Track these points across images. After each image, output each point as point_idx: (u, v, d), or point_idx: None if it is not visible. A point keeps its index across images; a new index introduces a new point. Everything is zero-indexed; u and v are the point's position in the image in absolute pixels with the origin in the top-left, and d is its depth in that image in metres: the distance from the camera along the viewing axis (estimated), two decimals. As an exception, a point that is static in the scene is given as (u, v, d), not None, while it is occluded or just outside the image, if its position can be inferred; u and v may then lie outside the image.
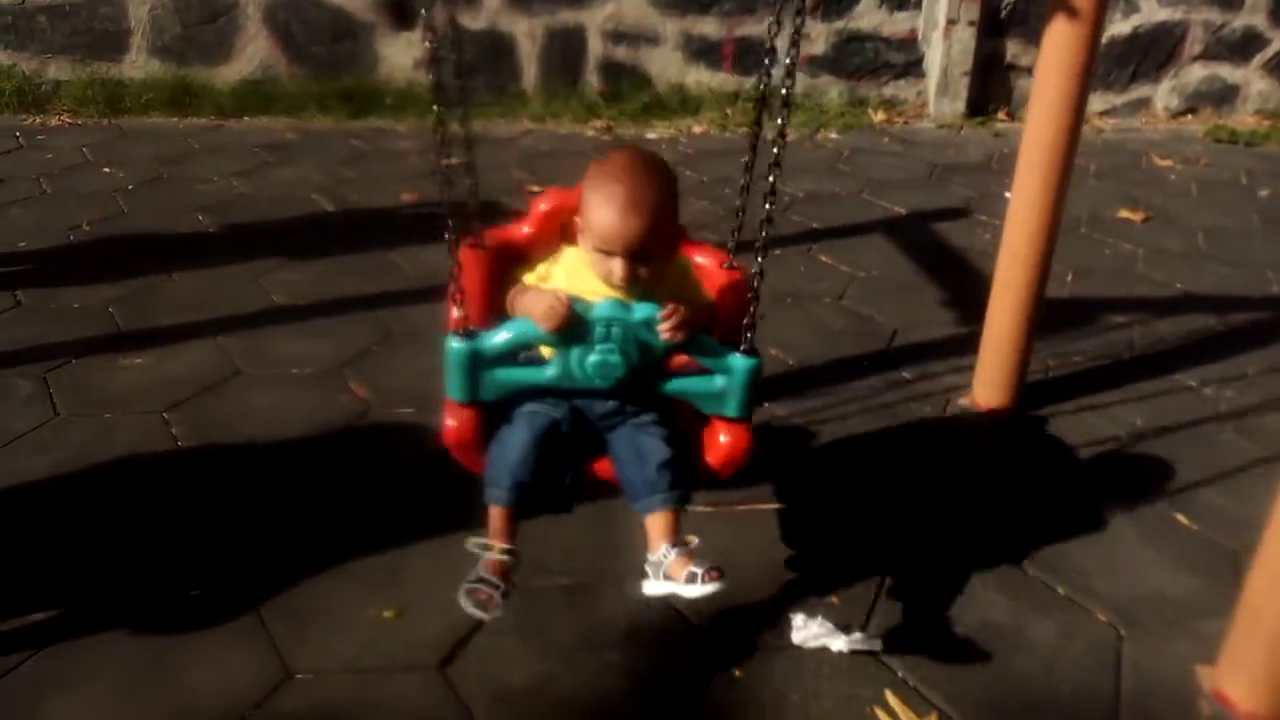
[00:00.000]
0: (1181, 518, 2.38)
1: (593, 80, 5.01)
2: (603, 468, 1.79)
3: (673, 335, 1.62)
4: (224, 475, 2.30)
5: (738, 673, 1.86)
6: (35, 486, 2.21)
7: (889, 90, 5.31)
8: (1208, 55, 5.51)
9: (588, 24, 4.94)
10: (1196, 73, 5.54)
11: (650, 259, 1.65)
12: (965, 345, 2.94)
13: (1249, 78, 5.58)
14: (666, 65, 5.08)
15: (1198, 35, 5.46)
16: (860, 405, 2.73)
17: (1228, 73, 5.57)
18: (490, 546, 1.68)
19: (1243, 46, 5.52)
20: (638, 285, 1.66)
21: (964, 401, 2.79)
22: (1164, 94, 5.56)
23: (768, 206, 1.63)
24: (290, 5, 4.69)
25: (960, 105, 5.21)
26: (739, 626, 1.97)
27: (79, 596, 1.93)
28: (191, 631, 1.87)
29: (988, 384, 2.76)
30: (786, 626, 1.95)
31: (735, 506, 2.31)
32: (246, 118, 4.64)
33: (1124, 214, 4.23)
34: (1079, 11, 2.40)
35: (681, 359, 1.70)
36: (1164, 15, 5.39)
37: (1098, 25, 2.45)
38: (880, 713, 1.80)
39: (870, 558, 2.18)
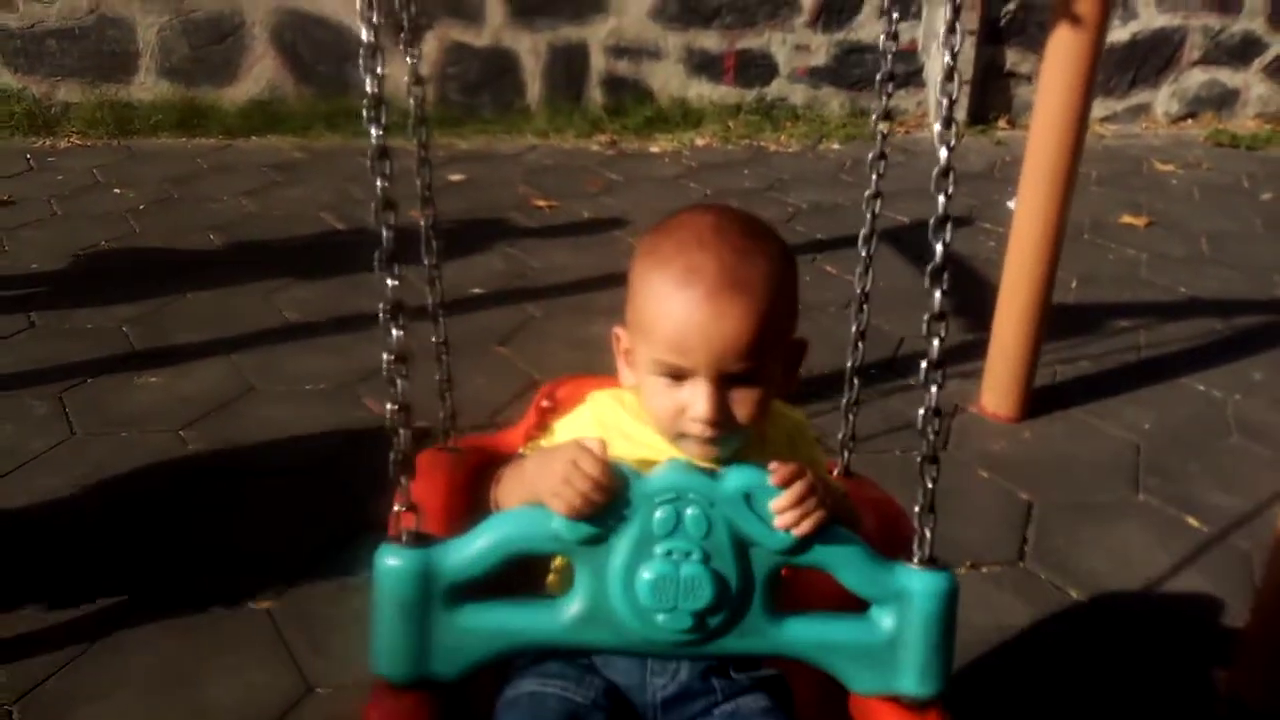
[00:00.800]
0: (1192, 520, 2.40)
1: (596, 95, 5.05)
2: None
3: (800, 518, 0.95)
4: (240, 491, 2.32)
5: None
6: (54, 505, 2.23)
7: (890, 101, 5.34)
8: (1207, 60, 5.54)
9: (590, 39, 4.99)
10: (1196, 77, 5.58)
11: (754, 381, 0.99)
12: (972, 353, 2.96)
13: (1249, 81, 5.61)
14: (669, 79, 5.12)
15: (1196, 41, 5.49)
16: (870, 414, 2.74)
17: (1227, 77, 5.60)
18: None
19: (1242, 51, 5.55)
20: (730, 439, 1.00)
21: (973, 408, 2.81)
22: (1164, 99, 5.60)
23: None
24: (296, 25, 4.74)
25: (960, 114, 5.24)
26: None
27: (99, 613, 1.94)
28: (212, 646, 1.88)
29: (996, 391, 2.78)
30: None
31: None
32: (254, 137, 4.68)
33: (1126, 219, 4.26)
34: (1082, 20, 2.43)
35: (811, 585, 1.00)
36: (1162, 21, 5.43)
37: (1101, 33, 2.48)
38: None
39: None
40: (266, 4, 4.68)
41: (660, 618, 0.95)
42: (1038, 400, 2.80)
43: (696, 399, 0.98)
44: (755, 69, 5.15)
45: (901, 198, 4.45)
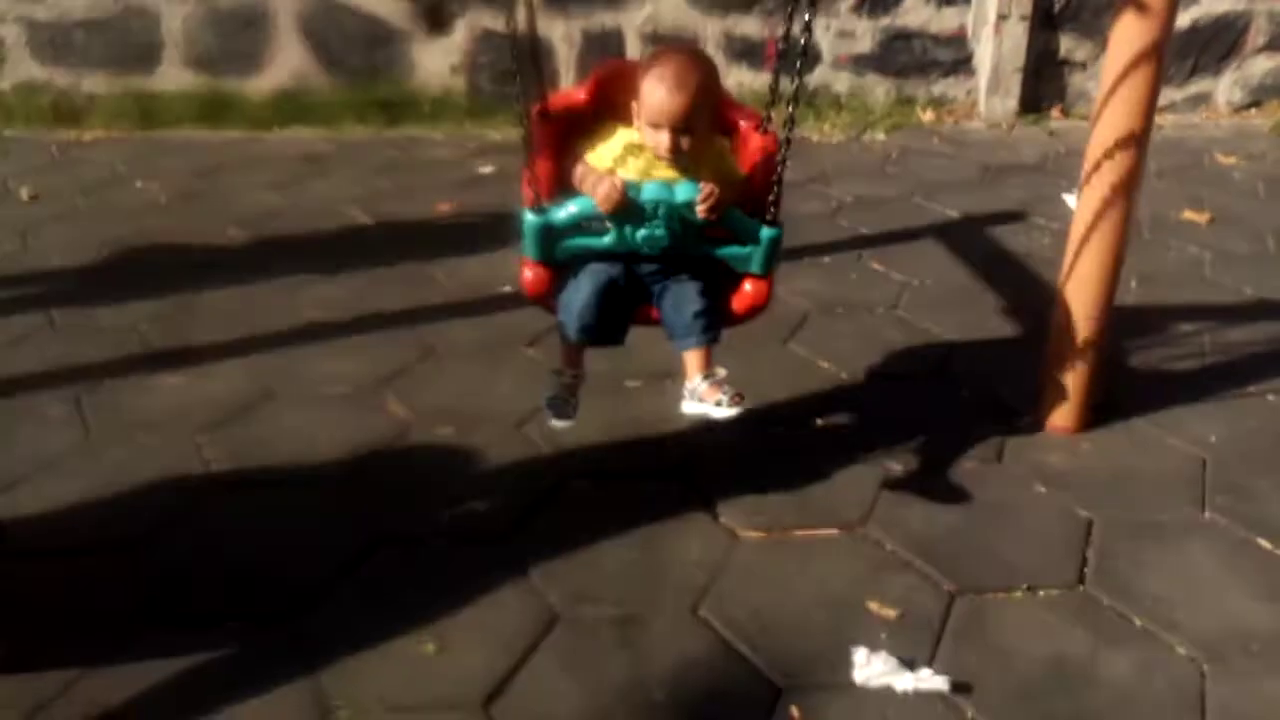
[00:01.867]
0: (1264, 542, 2.23)
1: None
2: (648, 312, 2.15)
3: (708, 213, 1.95)
4: (257, 500, 2.23)
5: (796, 713, 1.74)
6: (67, 510, 2.16)
7: (938, 89, 5.15)
8: (1272, 46, 5.28)
9: (625, 26, 4.85)
10: (1261, 65, 5.32)
11: (692, 132, 1.95)
12: (1028, 358, 2.80)
13: (1315, 69, 5.34)
14: (706, 67, 4.96)
15: (1261, 26, 5.23)
16: (920, 425, 2.60)
17: (1293, 64, 5.33)
18: (563, 372, 2.15)
19: (1308, 36, 5.28)
20: (682, 156, 1.98)
21: (1028, 419, 2.65)
22: (1226, 88, 5.34)
23: (795, 82, 1.95)
24: (323, 13, 4.64)
25: (1012, 103, 5.04)
26: (797, 663, 1.86)
27: (113, 623, 1.87)
28: (229, 662, 1.80)
29: (1053, 400, 2.62)
30: (848, 663, 1.83)
31: (791, 533, 2.20)
32: (280, 129, 4.60)
33: (1188, 215, 4.05)
34: (1149, 6, 2.26)
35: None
36: (1225, 6, 5.18)
37: (1170, 19, 2.30)
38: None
39: (936, 588, 2.06)
40: (293, -9, 4.59)
41: (646, 248, 2.01)
42: (1097, 410, 2.64)
43: (663, 139, 1.96)
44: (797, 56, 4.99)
45: (949, 191, 4.32)
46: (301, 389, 2.65)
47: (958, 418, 2.65)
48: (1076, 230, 2.51)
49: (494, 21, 4.74)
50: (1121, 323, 2.90)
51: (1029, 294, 3.26)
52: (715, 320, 2.08)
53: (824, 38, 5.00)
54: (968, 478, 2.41)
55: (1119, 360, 2.91)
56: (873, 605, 2.00)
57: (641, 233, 1.98)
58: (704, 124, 1.98)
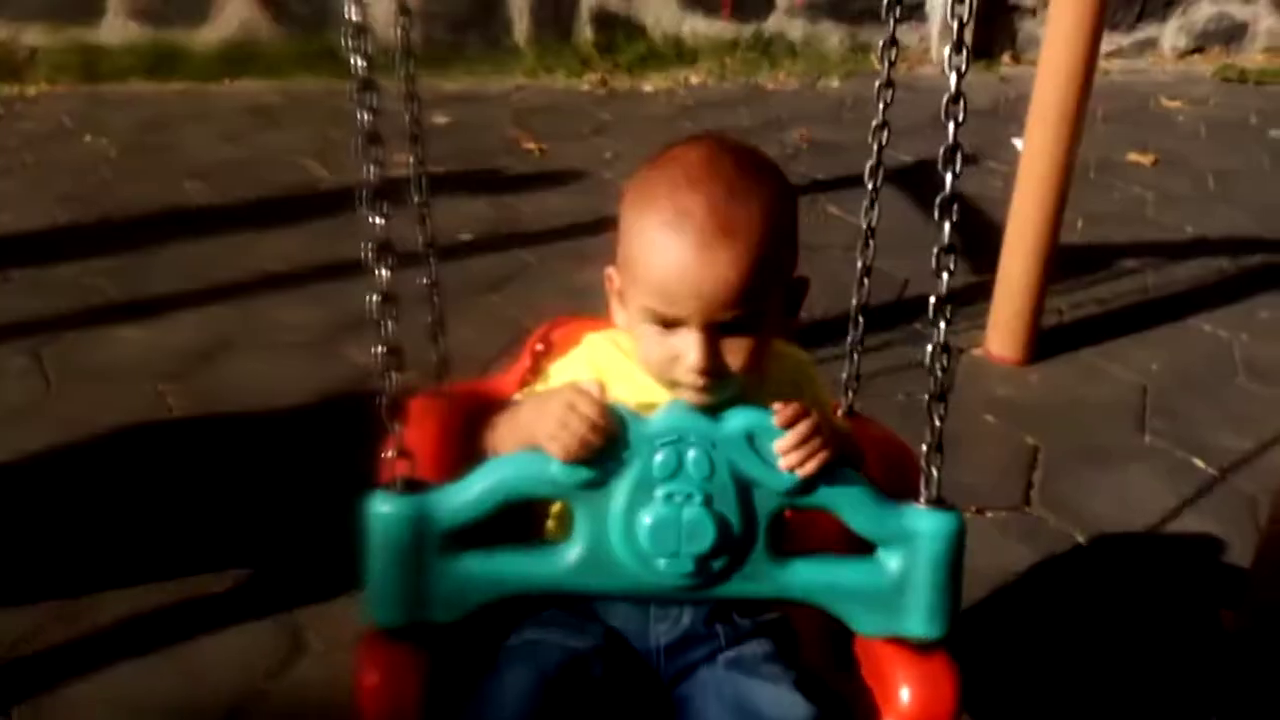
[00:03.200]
0: (1199, 461, 2.34)
1: (586, 32, 4.89)
2: None
3: (805, 459, 0.92)
4: (221, 446, 2.25)
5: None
6: (31, 460, 2.15)
7: (889, 36, 5.18)
8: (1215, -8, 5.39)
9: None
10: (1204, 10, 5.42)
11: (748, 328, 0.95)
12: (977, 295, 2.87)
13: (1258, 14, 5.45)
14: (661, 14, 4.95)
15: (1206, -30, 5.33)
16: (873, 356, 2.67)
17: (1237, 9, 5.44)
18: None
19: (1251, -19, 5.39)
20: (725, 386, 0.96)
21: (978, 352, 2.74)
22: (1171, 33, 5.44)
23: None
24: (272, -38, 4.56)
25: (963, 49, 5.09)
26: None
27: (84, 571, 1.88)
28: (198, 607, 1.82)
29: (1001, 334, 2.71)
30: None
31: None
32: (229, 81, 4.52)
33: (1133, 157, 4.15)
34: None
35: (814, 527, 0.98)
36: (1171, -49, 5.26)
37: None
38: None
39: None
40: (240, -61, 4.49)
41: (661, 562, 0.93)
42: (1044, 343, 2.73)
43: (688, 348, 0.94)
44: (751, 4, 4.99)
45: (905, 136, 4.29)
46: (260, 338, 2.65)
47: (910, 354, 2.73)
48: (1023, 171, 2.58)
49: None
50: (1068, 261, 2.99)
51: (979, 234, 3.32)
52: None
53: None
54: (917, 409, 2.48)
55: (1066, 296, 3.00)
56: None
57: (649, 520, 0.92)
58: (772, 312, 0.98)
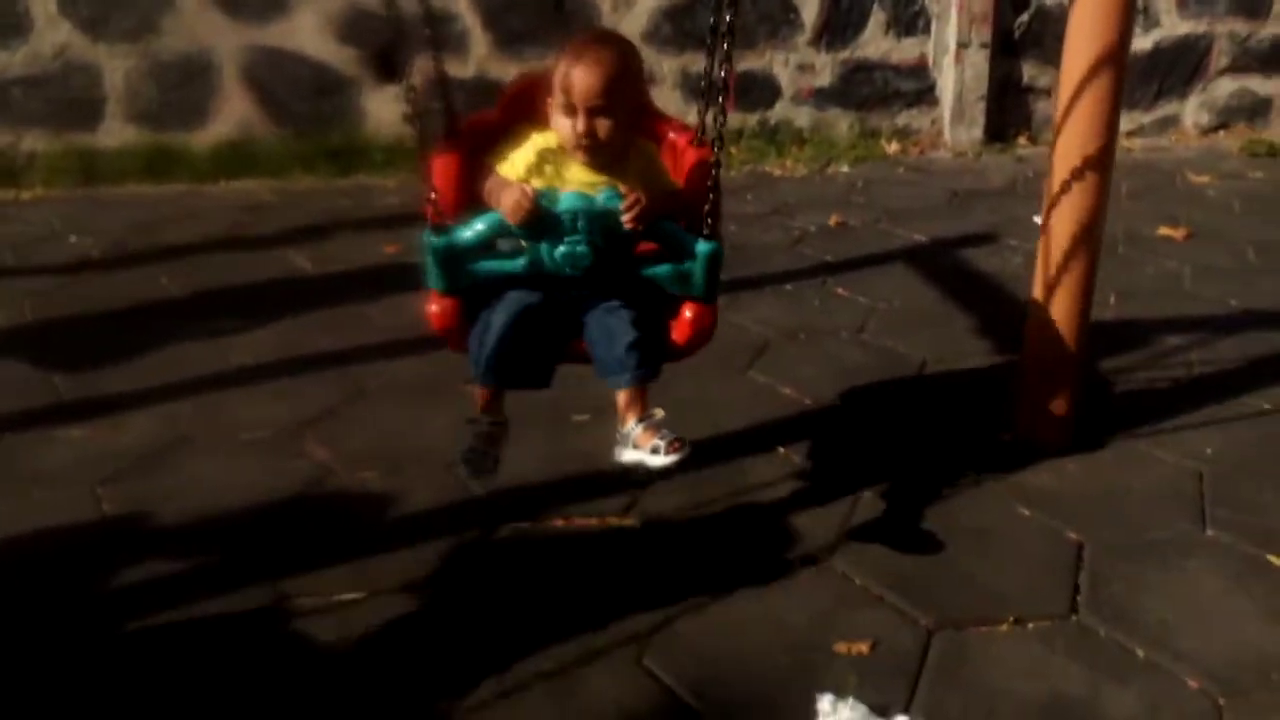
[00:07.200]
0: (1274, 559, 2.03)
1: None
2: (575, 347, 1.87)
3: (634, 223, 1.70)
4: (152, 554, 2.01)
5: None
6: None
7: (901, 120, 5.06)
8: (1236, 68, 5.23)
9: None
10: (1225, 86, 5.26)
11: (609, 115, 1.72)
12: (1003, 375, 2.62)
13: (1281, 89, 5.28)
14: (666, 105, 4.84)
15: (1223, 47, 5.18)
16: (895, 449, 2.40)
17: (1259, 85, 5.28)
18: (479, 420, 1.87)
19: (1273, 57, 5.23)
20: (601, 152, 1.75)
21: (1008, 437, 2.45)
22: (1193, 110, 5.27)
23: (724, 83, 1.75)
24: (269, 62, 4.52)
25: (978, 131, 4.94)
26: (753, 714, 1.64)
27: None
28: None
29: (1034, 417, 2.42)
30: (812, 712, 1.61)
31: (750, 570, 1.98)
32: (226, 181, 4.44)
33: (1164, 231, 3.91)
34: (1099, 20, 2.16)
35: (650, 245, 1.80)
36: (1186, 28, 5.13)
37: (1122, 32, 2.18)
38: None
39: (912, 624, 1.84)
40: (237, 41, 4.47)
41: (567, 269, 1.74)
42: (1082, 428, 2.44)
43: (577, 121, 1.73)
44: (757, 91, 4.89)
45: (916, 217, 4.18)
46: (216, 436, 2.43)
47: (930, 441, 2.45)
48: (1044, 242, 2.35)
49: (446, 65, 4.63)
50: (1102, 338, 2.74)
51: (1002, 313, 3.09)
52: (651, 354, 1.79)
53: (783, 72, 4.91)
54: (943, 503, 2.20)
55: (1102, 377, 2.73)
56: (840, 647, 1.78)
57: (560, 250, 1.71)
58: (623, 112, 1.75)
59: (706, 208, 1.74)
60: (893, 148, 4.95)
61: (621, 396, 1.80)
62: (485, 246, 1.76)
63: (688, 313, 1.83)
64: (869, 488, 2.24)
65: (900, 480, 2.28)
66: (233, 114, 4.53)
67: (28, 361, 2.81)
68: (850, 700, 1.62)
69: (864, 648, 1.77)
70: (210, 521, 2.11)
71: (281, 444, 2.40)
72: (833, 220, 3.99)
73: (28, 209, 4.20)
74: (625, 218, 1.69)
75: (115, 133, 4.48)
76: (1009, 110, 5.02)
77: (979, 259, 3.63)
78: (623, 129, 1.76)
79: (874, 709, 1.61)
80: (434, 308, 1.81)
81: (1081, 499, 2.23)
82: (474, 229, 1.73)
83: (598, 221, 1.70)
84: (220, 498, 2.18)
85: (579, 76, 1.70)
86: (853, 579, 1.95)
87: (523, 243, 1.74)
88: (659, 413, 1.80)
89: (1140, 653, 1.78)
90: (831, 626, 1.82)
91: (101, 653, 1.76)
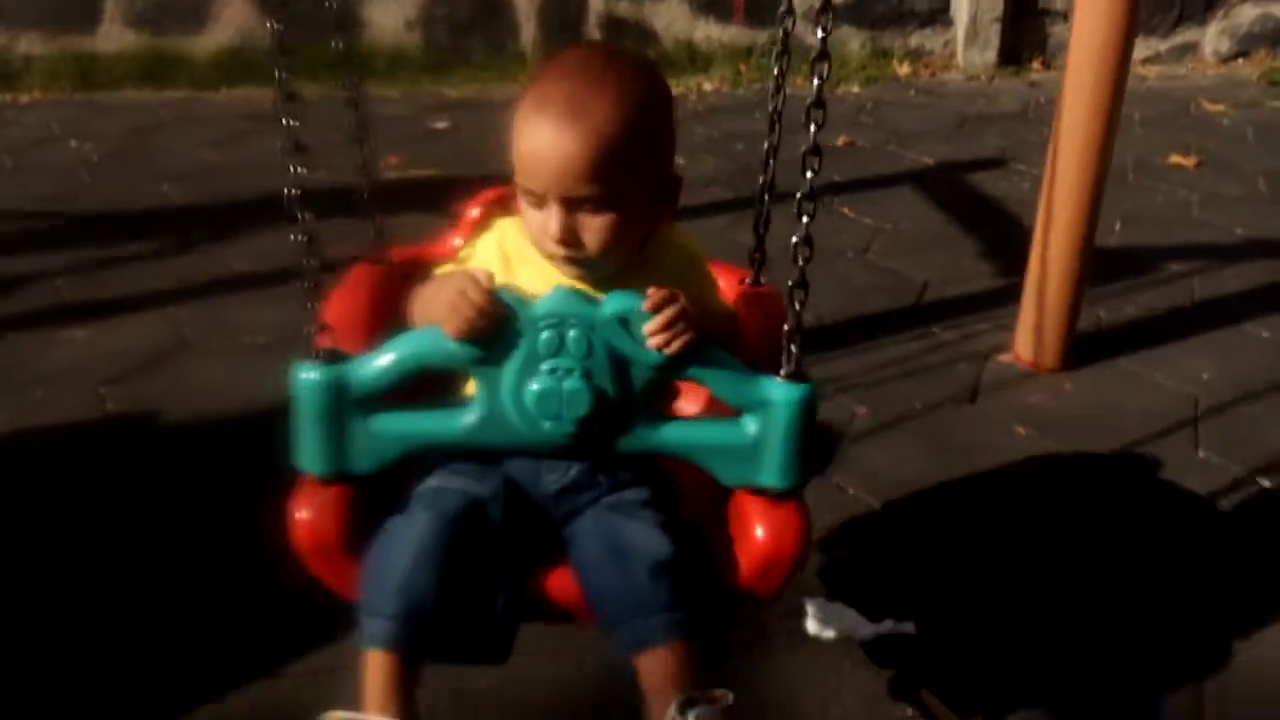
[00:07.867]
0: (1265, 482, 2.05)
1: (595, 37, 4.71)
2: (559, 581, 1.11)
3: (670, 340, 1.01)
4: (158, 455, 2.03)
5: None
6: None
7: (914, 40, 4.95)
8: (1259, -7, 5.10)
9: (588, -17, 4.65)
10: (1247, 13, 5.13)
11: (603, 207, 1.04)
12: (1005, 298, 2.62)
13: (1306, 16, 5.16)
14: (673, 20, 4.76)
15: (1248, -29, 5.05)
16: (893, 368, 2.42)
17: (1282, 11, 5.15)
18: None
19: (1298, -18, 5.10)
20: (592, 263, 1.07)
21: (1006, 357, 2.47)
22: (1213, 37, 5.15)
23: (809, 176, 1.05)
24: (271, -33, 4.42)
25: (991, 55, 4.84)
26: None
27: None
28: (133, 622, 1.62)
29: (1033, 338, 2.43)
30: (800, 614, 1.64)
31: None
32: (226, 88, 4.38)
33: (1175, 159, 3.86)
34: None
35: (687, 395, 1.17)
36: (1210, -49, 4.99)
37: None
38: (915, 713, 1.50)
39: (904, 538, 1.87)
40: (237, -57, 4.37)
41: (546, 425, 1.05)
42: (1080, 349, 2.46)
43: (549, 219, 1.05)
44: (768, 8, 4.78)
45: (926, 139, 4.12)
46: (217, 340, 2.45)
47: (929, 359, 2.47)
48: (1051, 168, 2.33)
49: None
50: (1106, 264, 2.73)
51: (1009, 236, 3.06)
52: (696, 585, 1.05)
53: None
54: (938, 421, 2.22)
55: (1104, 300, 2.73)
56: (838, 553, 1.82)
57: (535, 387, 1.03)
58: (631, 192, 1.06)
59: (786, 329, 1.05)
60: (904, 69, 4.86)
61: (647, 664, 1.03)
62: (405, 393, 1.07)
63: (758, 525, 1.09)
64: (865, 404, 2.26)
65: (897, 399, 2.29)
66: (233, 19, 4.44)
67: (30, 262, 2.80)
68: (839, 604, 1.66)
69: (856, 554, 1.81)
70: (212, 423, 2.13)
71: (285, 348, 2.41)
72: (841, 140, 3.94)
73: (26, 112, 4.15)
74: (653, 326, 1.01)
75: (114, 37, 4.41)
76: (1024, 33, 4.91)
77: (987, 183, 3.59)
78: (630, 227, 1.08)
79: (863, 612, 1.65)
80: (302, 512, 1.08)
81: (1077, 419, 2.25)
82: (386, 358, 1.06)
83: (603, 336, 1.02)
84: (221, 400, 2.20)
85: (546, 144, 1.02)
86: (848, 490, 1.98)
87: (471, 381, 1.07)
88: (726, 696, 1.03)
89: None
90: (826, 536, 1.86)
91: (103, 550, 1.80)
